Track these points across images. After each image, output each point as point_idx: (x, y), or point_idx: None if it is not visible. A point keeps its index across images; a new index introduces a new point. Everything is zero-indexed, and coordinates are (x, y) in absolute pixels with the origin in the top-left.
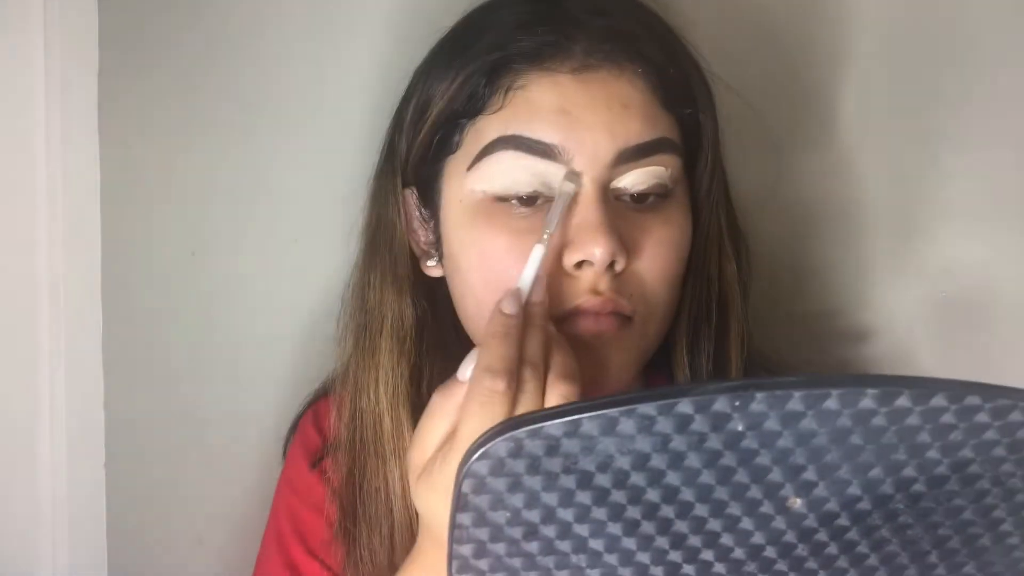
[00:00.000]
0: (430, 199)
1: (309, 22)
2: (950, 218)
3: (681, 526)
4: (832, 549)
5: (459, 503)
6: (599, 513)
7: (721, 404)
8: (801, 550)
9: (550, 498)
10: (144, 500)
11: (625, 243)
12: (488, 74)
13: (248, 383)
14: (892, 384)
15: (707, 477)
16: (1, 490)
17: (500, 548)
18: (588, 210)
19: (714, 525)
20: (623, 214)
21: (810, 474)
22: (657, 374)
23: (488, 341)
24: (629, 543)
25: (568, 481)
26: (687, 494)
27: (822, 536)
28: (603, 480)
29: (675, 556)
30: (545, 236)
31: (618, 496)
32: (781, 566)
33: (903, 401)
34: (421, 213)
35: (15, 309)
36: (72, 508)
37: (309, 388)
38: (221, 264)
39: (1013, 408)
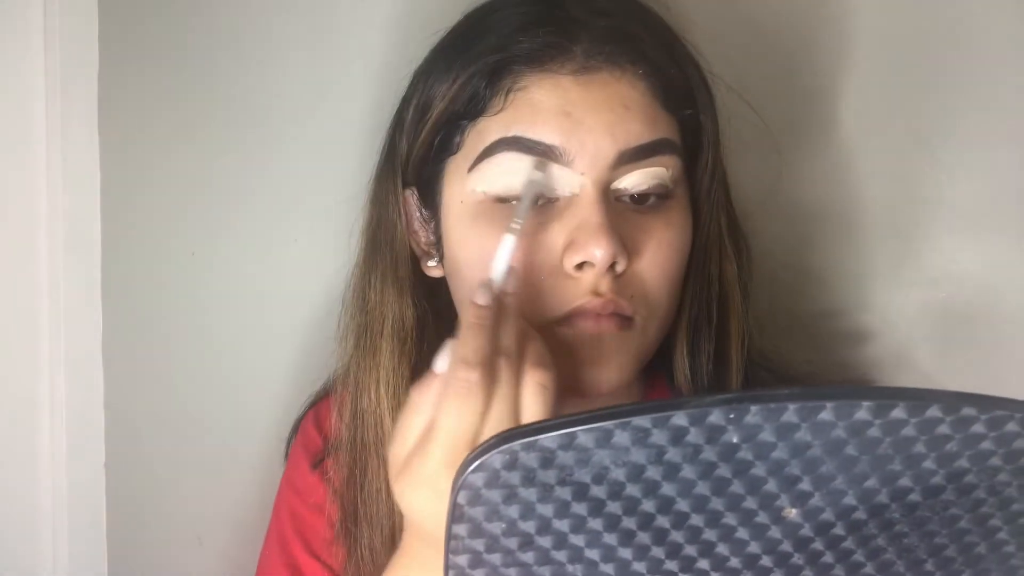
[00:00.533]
0: (431, 199)
1: (309, 22)
2: (950, 219)
3: (677, 536)
4: (828, 558)
5: (455, 514)
6: (595, 524)
7: (715, 417)
8: (797, 559)
9: (546, 509)
10: (144, 500)
11: (626, 244)
12: (489, 76)
13: (248, 383)
14: (887, 396)
15: (702, 488)
16: (1, 490)
17: (496, 558)
18: (589, 211)
19: (710, 535)
20: (624, 215)
21: (805, 485)
22: (657, 374)
23: (462, 333)
24: (625, 553)
25: (563, 492)
26: (682, 505)
27: (818, 545)
28: (598, 491)
29: (671, 565)
30: (515, 226)
31: (613, 507)
32: (778, 574)
33: (898, 413)
34: (422, 213)
35: (15, 309)
36: (72, 508)
37: (309, 388)
38: (221, 264)
39: (1009, 419)
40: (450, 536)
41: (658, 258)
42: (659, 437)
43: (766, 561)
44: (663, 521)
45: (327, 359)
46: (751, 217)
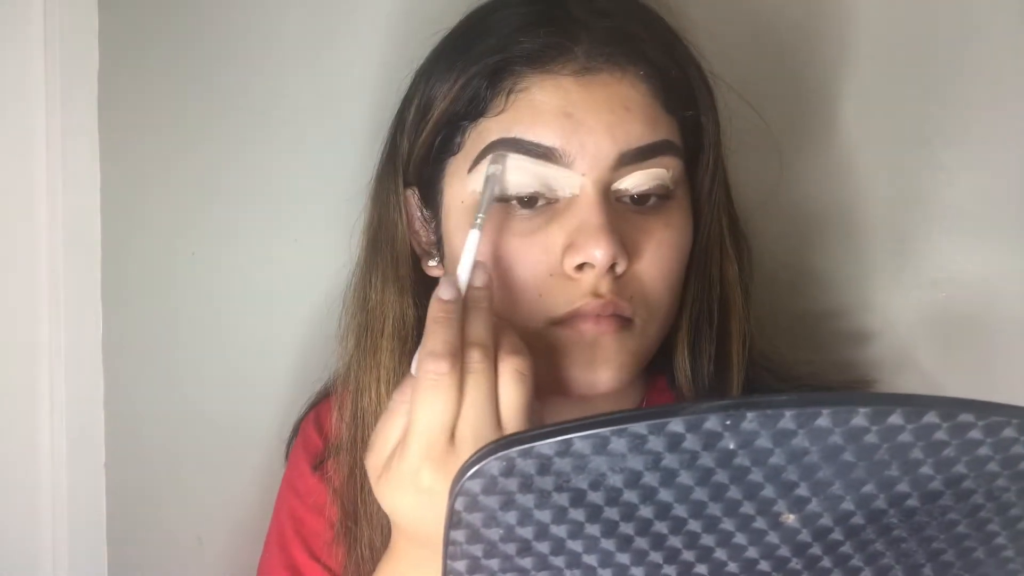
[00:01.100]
0: (432, 199)
1: (310, 22)
2: (950, 219)
3: (674, 541)
4: (826, 563)
5: (452, 520)
6: (592, 529)
7: (712, 423)
8: (795, 564)
9: (543, 515)
10: (144, 500)
11: (626, 245)
12: (490, 76)
13: (248, 383)
14: (884, 402)
15: (699, 494)
16: (1, 490)
17: (494, 564)
18: (589, 212)
19: (707, 540)
20: (624, 216)
21: (803, 490)
22: (658, 375)
23: (428, 327)
24: (623, 558)
25: (561, 499)
26: (680, 510)
27: (816, 550)
28: (596, 497)
29: (669, 570)
30: (478, 220)
31: (611, 513)
32: None
33: (895, 419)
34: (423, 213)
35: (15, 309)
36: (72, 508)
37: (310, 388)
38: (221, 264)
39: (1006, 425)
40: (448, 542)
41: (658, 259)
42: (656, 443)
43: (764, 566)
44: (661, 526)
45: (327, 359)
46: (752, 218)
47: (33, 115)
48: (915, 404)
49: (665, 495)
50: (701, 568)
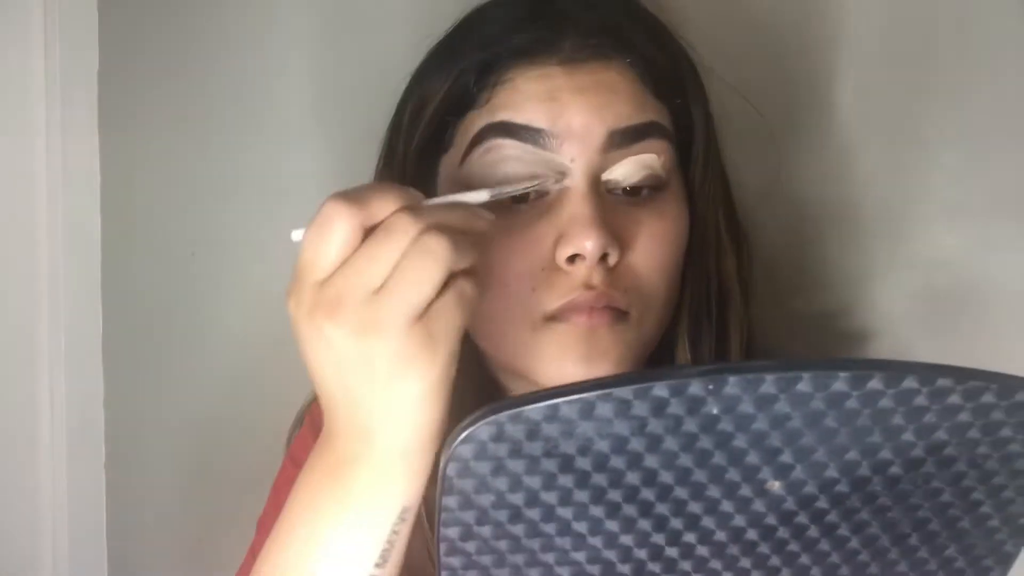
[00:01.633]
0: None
1: (310, 22)
2: (949, 217)
3: (662, 508)
4: (813, 532)
5: (445, 486)
6: (581, 496)
7: (695, 388)
8: (782, 532)
9: (533, 481)
10: (144, 500)
11: (618, 236)
12: (477, 71)
13: (248, 383)
14: (863, 367)
15: (685, 460)
16: (1, 490)
17: (486, 531)
18: (579, 203)
19: (694, 508)
20: (616, 207)
21: (787, 457)
22: (660, 366)
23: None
24: (612, 525)
25: (550, 464)
26: (666, 477)
27: (802, 519)
28: (584, 463)
29: (657, 538)
30: (496, 192)
31: (599, 479)
32: (763, 548)
33: (875, 384)
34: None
35: (15, 309)
36: (72, 508)
37: (308, 387)
38: (221, 264)
39: (985, 390)
40: (441, 508)
41: (651, 250)
42: (640, 408)
43: (751, 535)
44: (648, 494)
45: None
46: (750, 215)
47: (33, 115)
48: (894, 369)
49: (651, 461)
50: (689, 537)
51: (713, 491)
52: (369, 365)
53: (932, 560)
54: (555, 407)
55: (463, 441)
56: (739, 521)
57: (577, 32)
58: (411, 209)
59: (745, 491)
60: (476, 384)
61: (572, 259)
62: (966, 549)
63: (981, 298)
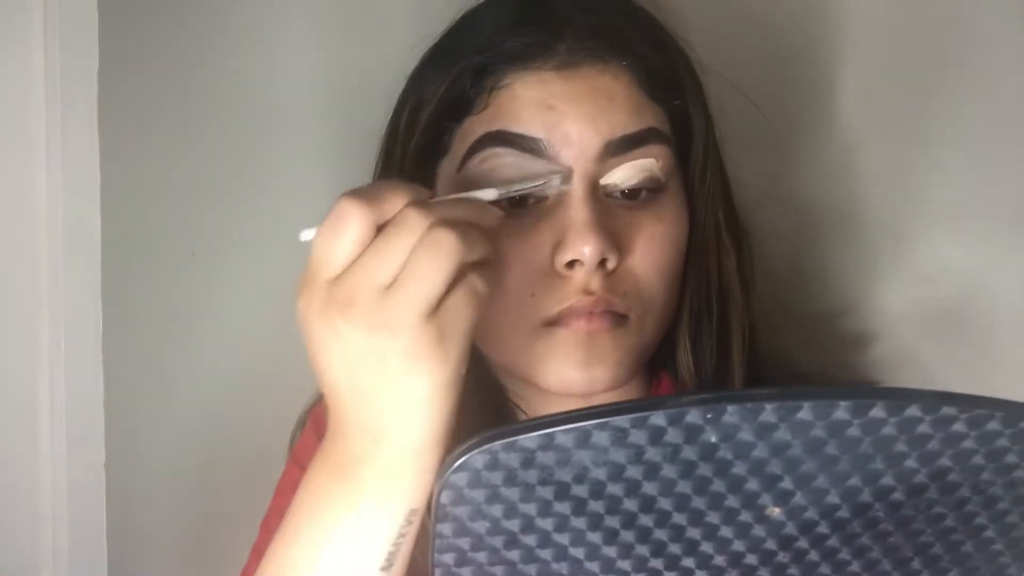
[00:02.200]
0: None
1: (310, 22)
2: (950, 217)
3: (660, 534)
4: (813, 556)
5: (438, 513)
6: (578, 522)
7: (693, 416)
8: (782, 557)
9: (529, 508)
10: (144, 500)
11: (616, 241)
12: (474, 75)
13: (248, 383)
14: (865, 396)
15: (683, 487)
16: (1, 490)
17: (482, 556)
18: (577, 209)
19: (693, 533)
20: (614, 211)
21: (787, 483)
22: (661, 371)
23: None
24: (609, 551)
25: (545, 492)
26: (664, 503)
27: (803, 544)
28: (580, 491)
29: (656, 563)
30: (504, 192)
31: (596, 506)
32: (763, 573)
33: (877, 412)
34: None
35: (15, 309)
36: (72, 508)
37: (310, 387)
38: (221, 264)
39: (990, 418)
40: (435, 535)
41: (650, 253)
42: (638, 437)
43: (751, 559)
44: (646, 520)
45: None
46: (751, 215)
47: (33, 115)
48: (897, 397)
49: (649, 488)
50: (688, 562)
51: (712, 517)
52: (381, 362)
53: None
54: (550, 436)
55: (457, 469)
56: (739, 546)
57: (572, 35)
58: (420, 204)
59: (745, 517)
60: (479, 388)
61: (571, 264)
62: (969, 572)
63: (982, 299)
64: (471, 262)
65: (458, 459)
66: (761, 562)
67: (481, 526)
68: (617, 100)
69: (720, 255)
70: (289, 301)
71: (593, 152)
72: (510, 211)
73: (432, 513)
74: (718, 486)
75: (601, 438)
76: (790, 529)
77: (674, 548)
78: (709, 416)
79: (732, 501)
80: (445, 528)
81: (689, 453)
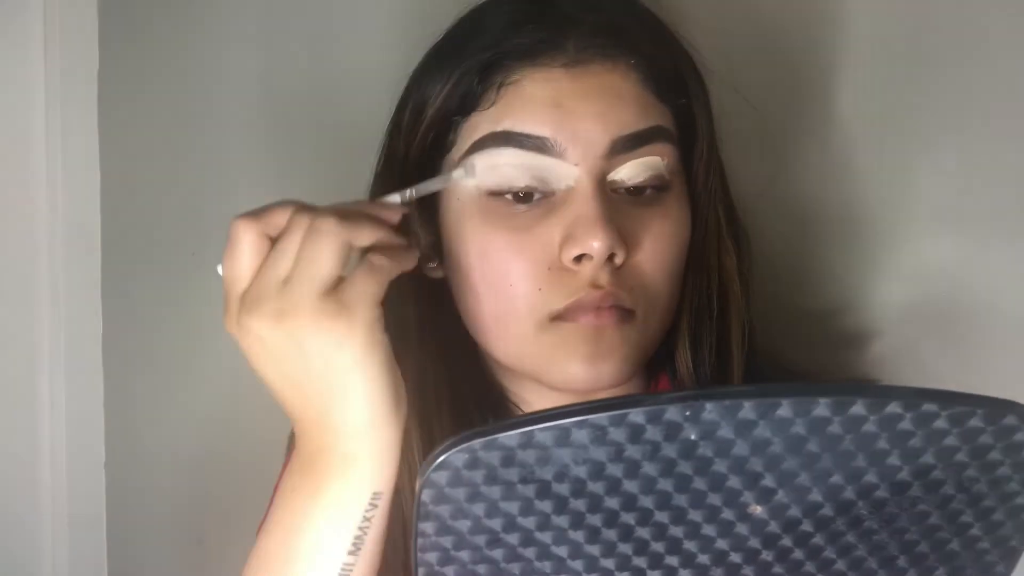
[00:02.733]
0: (429, 200)
1: (310, 22)
2: (948, 217)
3: (643, 532)
4: (798, 554)
5: (420, 512)
6: (560, 521)
7: (671, 414)
8: (766, 555)
9: (510, 507)
10: (144, 500)
11: (624, 236)
12: (481, 71)
13: (248, 383)
14: (845, 392)
15: (664, 484)
16: (1, 490)
17: (465, 555)
18: (586, 204)
19: (676, 531)
20: (621, 207)
21: (768, 481)
22: (660, 369)
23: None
24: (592, 549)
25: (527, 490)
26: (646, 501)
27: (787, 542)
28: (561, 489)
29: (639, 561)
30: (408, 193)
31: (577, 504)
32: (748, 571)
33: (857, 409)
34: (421, 215)
35: (15, 309)
36: (72, 508)
37: None
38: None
39: (971, 415)
40: (417, 533)
41: (657, 250)
42: (617, 435)
43: (735, 558)
44: (627, 517)
45: None
46: (750, 215)
47: (33, 115)
48: (877, 394)
49: (630, 486)
50: (672, 560)
51: (694, 515)
52: (299, 347)
53: None
54: (529, 434)
55: (437, 467)
56: (722, 544)
57: (580, 33)
58: (305, 207)
59: (727, 515)
60: (476, 388)
61: (579, 259)
62: (956, 571)
63: (980, 297)
64: (367, 246)
65: (438, 457)
66: (745, 560)
67: (463, 524)
68: (625, 98)
69: (721, 254)
70: None
71: (601, 149)
72: (514, 205)
73: (414, 512)
74: (699, 483)
75: (580, 436)
76: (773, 527)
77: (657, 546)
78: (688, 413)
79: (714, 499)
80: (427, 527)
81: (669, 451)
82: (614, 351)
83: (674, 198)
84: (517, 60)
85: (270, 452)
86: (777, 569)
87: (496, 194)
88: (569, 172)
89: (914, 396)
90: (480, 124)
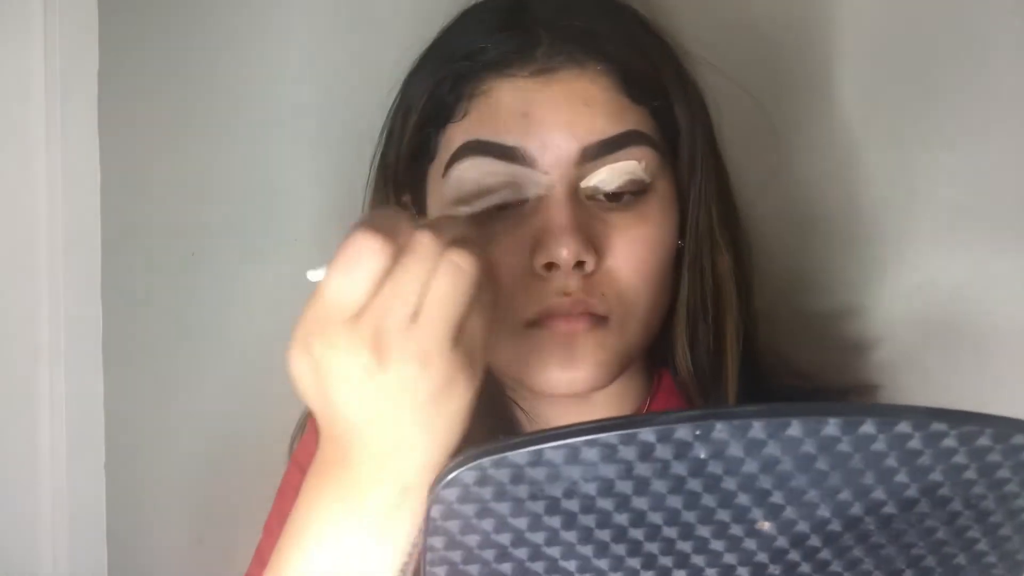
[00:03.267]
0: (421, 205)
1: (309, 22)
2: (950, 219)
3: (651, 547)
4: (805, 568)
5: (429, 527)
6: (569, 536)
7: (682, 433)
8: (773, 569)
9: (519, 522)
10: (144, 500)
11: (595, 242)
12: (453, 82)
13: (248, 383)
14: (855, 412)
15: (673, 501)
16: (1, 490)
17: (474, 569)
18: (554, 211)
19: (684, 546)
20: (594, 213)
21: (777, 498)
22: (662, 369)
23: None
24: (601, 563)
25: (536, 506)
26: (655, 517)
27: (794, 556)
28: (570, 505)
29: (647, 575)
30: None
31: (586, 520)
32: None
33: (867, 428)
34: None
35: (15, 309)
36: (72, 508)
37: None
38: (221, 264)
39: (980, 434)
40: (426, 548)
41: (632, 255)
42: (627, 453)
43: (743, 572)
44: (636, 533)
45: None
46: (749, 216)
47: (33, 115)
48: (887, 414)
49: (639, 503)
50: (680, 574)
51: (703, 530)
52: (411, 391)
53: None
54: (539, 452)
55: (447, 484)
56: (730, 559)
57: (550, 39)
58: (430, 229)
59: (736, 530)
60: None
61: (548, 266)
62: None
63: (982, 299)
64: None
65: (448, 475)
66: (752, 574)
67: (472, 539)
68: (594, 105)
69: (714, 254)
70: (289, 301)
71: (570, 157)
72: (493, 212)
73: (423, 527)
74: (708, 500)
75: (590, 454)
76: (781, 542)
77: (665, 560)
78: (698, 433)
79: (722, 515)
80: (436, 541)
81: (678, 468)
82: (587, 357)
83: (656, 200)
84: (488, 70)
85: (270, 452)
86: None
87: (471, 203)
88: (540, 180)
89: (924, 415)
90: (455, 135)
